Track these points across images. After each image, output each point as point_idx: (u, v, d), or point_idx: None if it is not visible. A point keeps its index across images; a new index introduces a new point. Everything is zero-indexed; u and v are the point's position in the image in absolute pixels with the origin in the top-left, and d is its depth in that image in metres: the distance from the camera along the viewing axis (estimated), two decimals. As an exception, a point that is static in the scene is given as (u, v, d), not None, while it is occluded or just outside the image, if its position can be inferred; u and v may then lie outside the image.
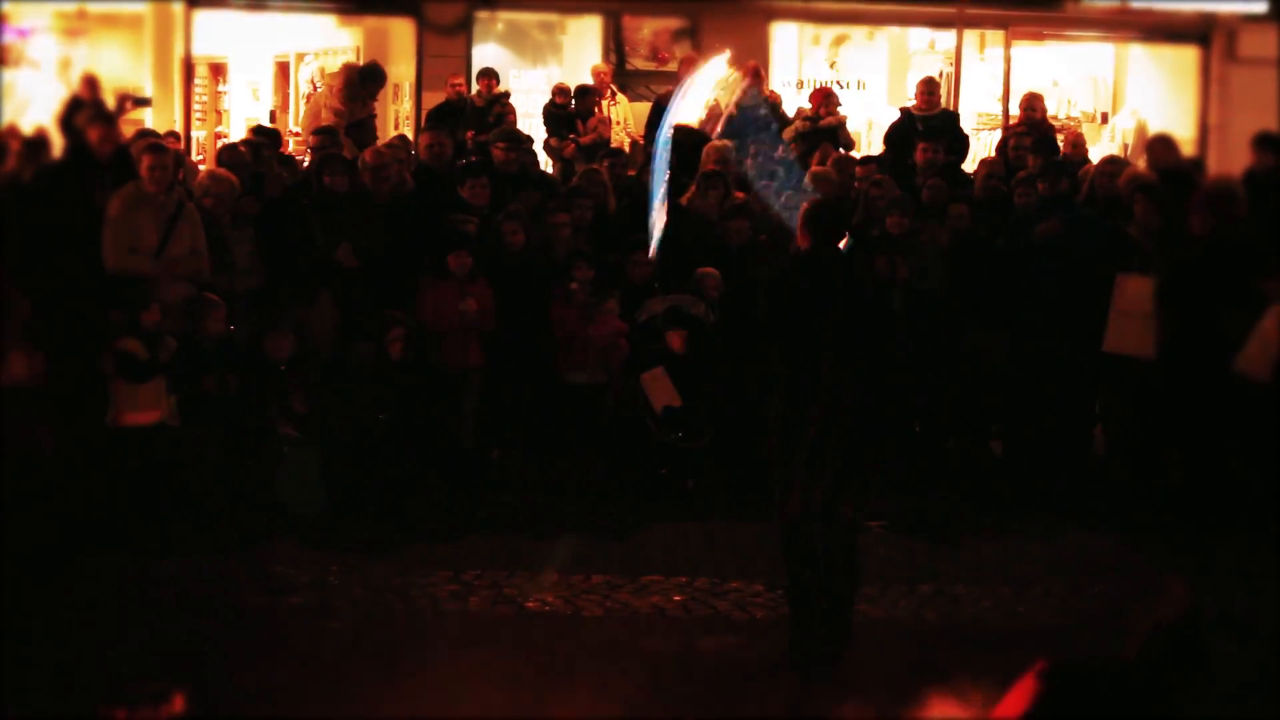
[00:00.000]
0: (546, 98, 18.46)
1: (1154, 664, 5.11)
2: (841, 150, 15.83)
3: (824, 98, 16.69)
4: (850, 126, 17.11)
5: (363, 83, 16.92)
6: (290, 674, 8.54)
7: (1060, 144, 16.14)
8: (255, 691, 8.24)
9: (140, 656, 8.61)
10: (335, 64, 19.03)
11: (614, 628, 9.52)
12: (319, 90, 17.70)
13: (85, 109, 13.21)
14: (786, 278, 9.36)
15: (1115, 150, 18.29)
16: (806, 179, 13.75)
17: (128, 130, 14.06)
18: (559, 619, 9.65)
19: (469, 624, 9.54)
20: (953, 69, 20.23)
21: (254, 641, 9.06)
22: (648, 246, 12.52)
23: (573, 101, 17.69)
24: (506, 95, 17.46)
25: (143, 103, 15.09)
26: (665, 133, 12.71)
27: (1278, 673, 8.60)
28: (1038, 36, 20.45)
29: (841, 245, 9.15)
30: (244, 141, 14.48)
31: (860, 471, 8.91)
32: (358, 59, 18.75)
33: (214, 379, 11.59)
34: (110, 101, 15.70)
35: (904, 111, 16.34)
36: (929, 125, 15.49)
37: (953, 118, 16.75)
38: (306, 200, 12.93)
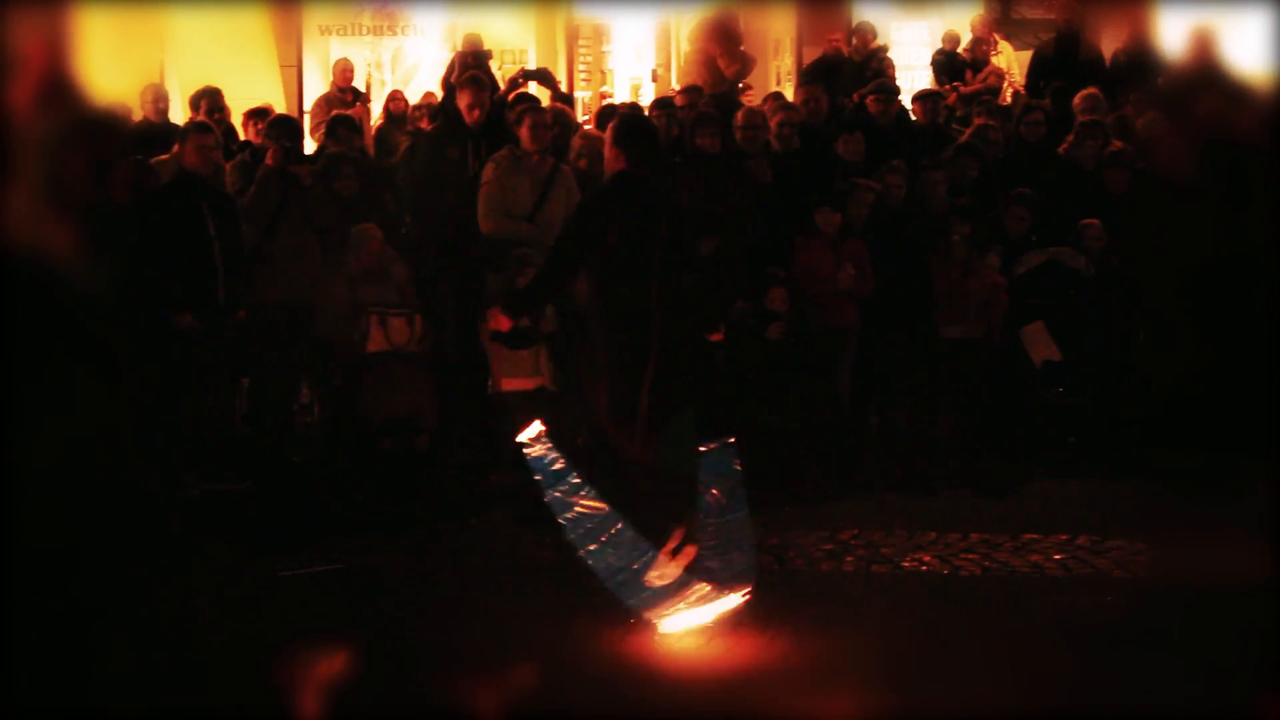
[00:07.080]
0: (927, 50, 18.27)
1: None
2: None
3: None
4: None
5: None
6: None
7: None
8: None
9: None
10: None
11: (991, 587, 9.41)
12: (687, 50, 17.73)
13: (465, 73, 13.47)
14: (607, 199, 9.03)
15: None
16: None
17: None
18: (935, 578, 9.59)
19: (844, 583, 9.53)
20: None
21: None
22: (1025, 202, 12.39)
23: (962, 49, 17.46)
24: (884, 49, 17.29)
25: (535, 76, 15.25)
26: None
27: None
28: None
29: None
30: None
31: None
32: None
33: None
34: (495, 68, 15.98)
35: None
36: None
37: None
38: (678, 159, 12.99)
